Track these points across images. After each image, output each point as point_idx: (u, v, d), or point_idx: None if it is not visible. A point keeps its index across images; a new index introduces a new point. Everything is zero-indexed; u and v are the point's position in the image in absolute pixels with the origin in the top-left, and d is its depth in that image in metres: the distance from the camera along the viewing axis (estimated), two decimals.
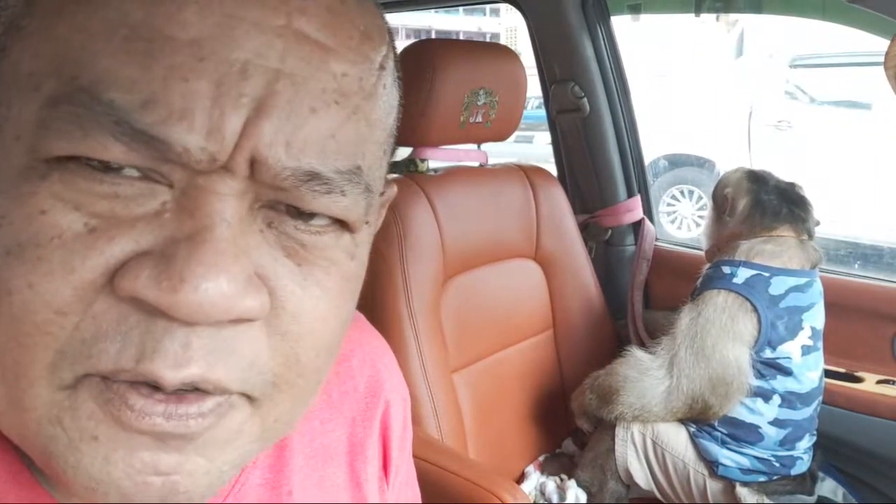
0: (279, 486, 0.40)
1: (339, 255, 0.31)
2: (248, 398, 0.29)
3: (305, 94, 0.28)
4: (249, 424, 0.30)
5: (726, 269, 1.20)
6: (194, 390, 0.27)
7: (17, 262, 0.25)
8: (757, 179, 1.26)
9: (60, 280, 0.25)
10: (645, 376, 1.18)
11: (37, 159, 0.26)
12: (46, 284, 0.25)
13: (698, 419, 1.19)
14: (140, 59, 0.25)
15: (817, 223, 1.25)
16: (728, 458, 1.16)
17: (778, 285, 1.16)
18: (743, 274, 1.18)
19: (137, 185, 0.26)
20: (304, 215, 0.29)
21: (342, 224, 0.30)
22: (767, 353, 1.15)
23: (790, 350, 1.16)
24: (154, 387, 0.26)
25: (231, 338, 0.27)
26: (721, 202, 1.30)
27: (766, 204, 1.23)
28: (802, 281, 1.18)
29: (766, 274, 1.17)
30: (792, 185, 1.27)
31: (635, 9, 1.69)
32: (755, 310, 1.15)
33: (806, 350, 1.17)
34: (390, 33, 0.34)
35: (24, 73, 0.27)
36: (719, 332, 1.15)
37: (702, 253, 1.43)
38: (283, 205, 0.29)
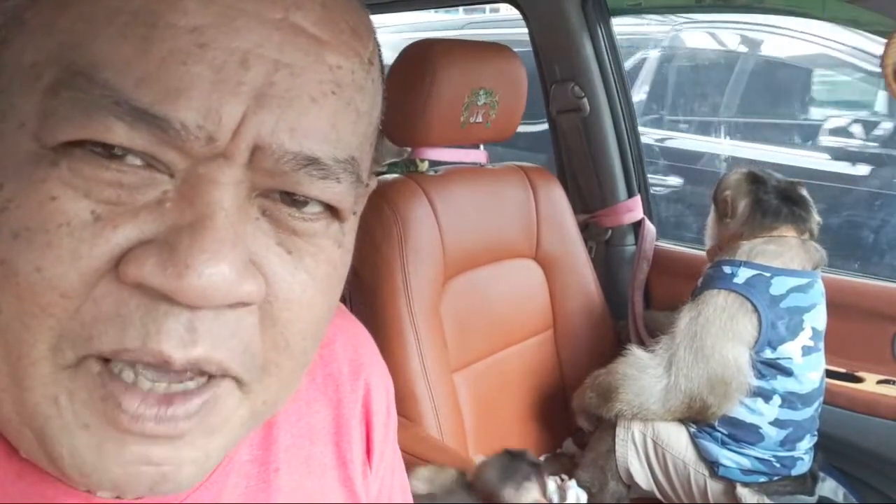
0: (267, 463, 0.41)
1: (328, 244, 0.33)
2: (238, 382, 0.30)
3: (304, 84, 0.29)
4: (240, 410, 0.31)
5: (727, 269, 1.20)
6: (189, 382, 0.29)
7: (25, 246, 0.26)
8: (756, 180, 1.26)
9: (68, 266, 0.26)
10: (643, 374, 1.18)
11: (44, 147, 0.27)
12: (53, 269, 0.26)
13: (698, 419, 1.19)
14: (138, 42, 0.26)
15: (819, 223, 1.25)
16: (728, 458, 1.16)
17: (779, 285, 1.16)
18: (744, 274, 1.17)
19: (140, 173, 0.27)
20: (297, 203, 0.31)
21: (332, 212, 0.32)
22: (768, 354, 1.15)
23: (791, 350, 1.15)
24: (153, 368, 0.28)
25: (229, 322, 0.29)
26: (721, 204, 1.30)
27: (766, 204, 1.22)
28: (804, 281, 1.18)
29: (767, 274, 1.17)
30: (792, 184, 1.27)
31: (635, 9, 1.69)
32: (756, 310, 1.15)
33: (807, 351, 1.17)
34: (374, 31, 0.35)
35: (26, 63, 0.28)
36: (719, 332, 1.15)
37: (702, 253, 1.42)
38: (277, 193, 0.30)
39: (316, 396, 0.46)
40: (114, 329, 0.27)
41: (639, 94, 3.28)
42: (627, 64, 3.25)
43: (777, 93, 3.19)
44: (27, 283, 0.26)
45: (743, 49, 3.11)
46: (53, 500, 0.32)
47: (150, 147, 0.27)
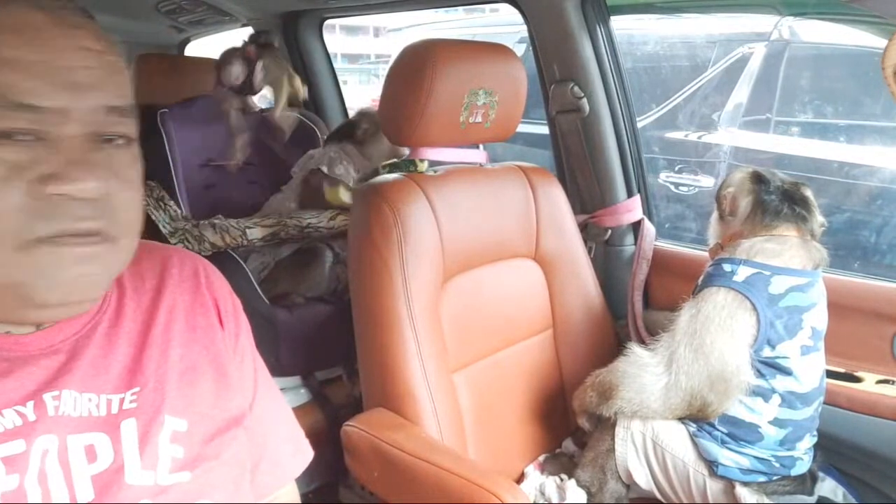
0: (117, 325, 0.65)
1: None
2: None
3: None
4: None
5: (727, 267, 1.20)
6: None
7: None
8: (759, 179, 1.26)
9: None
10: (644, 372, 1.18)
11: None
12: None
13: (697, 417, 1.19)
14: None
15: (822, 224, 1.25)
16: (728, 457, 1.16)
17: (778, 284, 1.16)
18: (743, 272, 1.17)
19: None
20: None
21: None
22: (766, 352, 1.15)
23: (789, 350, 1.16)
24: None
25: None
26: (723, 202, 1.30)
27: (767, 203, 1.22)
28: (803, 281, 1.18)
29: (767, 273, 1.17)
30: (796, 184, 1.27)
31: (635, 9, 1.69)
32: (754, 308, 1.15)
33: (806, 350, 1.17)
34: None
35: None
36: (718, 330, 1.15)
37: (701, 253, 1.42)
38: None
39: (162, 288, 0.68)
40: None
41: (738, 95, 2.95)
42: (727, 62, 2.98)
43: None
44: None
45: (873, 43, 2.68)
46: None
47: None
